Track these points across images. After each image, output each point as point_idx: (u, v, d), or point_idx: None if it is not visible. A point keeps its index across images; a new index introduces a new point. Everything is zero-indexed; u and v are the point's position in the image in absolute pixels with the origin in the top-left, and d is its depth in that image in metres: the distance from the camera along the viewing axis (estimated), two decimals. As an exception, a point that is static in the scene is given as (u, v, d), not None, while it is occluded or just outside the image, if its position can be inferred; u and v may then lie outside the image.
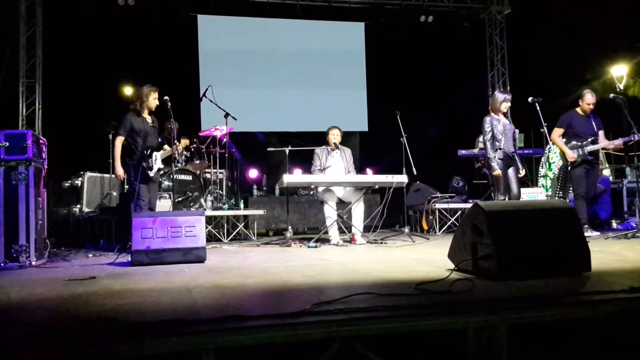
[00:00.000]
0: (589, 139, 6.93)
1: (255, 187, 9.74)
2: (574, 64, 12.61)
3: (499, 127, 6.48)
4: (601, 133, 7.02)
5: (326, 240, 6.83)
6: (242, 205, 8.55)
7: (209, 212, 7.80)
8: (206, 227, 7.50)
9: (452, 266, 3.65)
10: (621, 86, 12.43)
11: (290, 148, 7.56)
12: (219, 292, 3.10)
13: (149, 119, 6.34)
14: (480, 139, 9.33)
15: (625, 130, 6.85)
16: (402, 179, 6.86)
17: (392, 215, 8.93)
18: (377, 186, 6.95)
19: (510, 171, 6.53)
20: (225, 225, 8.15)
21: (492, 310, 2.28)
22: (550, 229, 3.35)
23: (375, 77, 11.84)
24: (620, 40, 12.80)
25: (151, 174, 6.15)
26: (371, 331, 2.17)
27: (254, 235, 8.26)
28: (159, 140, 6.45)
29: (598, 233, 7.02)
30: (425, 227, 9.11)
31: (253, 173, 10.11)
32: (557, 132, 7.07)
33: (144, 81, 6.47)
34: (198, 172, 8.29)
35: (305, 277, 3.59)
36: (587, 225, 6.83)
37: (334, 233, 6.77)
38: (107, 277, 3.97)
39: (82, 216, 8.15)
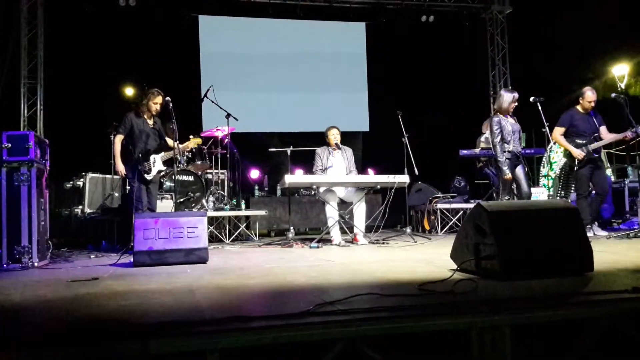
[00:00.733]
0: (592, 137, 6.89)
1: (256, 187, 9.73)
2: (575, 64, 12.61)
3: (507, 128, 6.43)
4: (603, 129, 6.95)
5: (328, 241, 6.83)
6: (243, 206, 8.55)
7: (211, 213, 7.80)
8: (208, 228, 7.53)
9: (455, 266, 3.66)
10: (622, 85, 12.42)
11: (291, 148, 7.55)
12: (222, 293, 3.10)
13: (150, 120, 6.39)
14: (482, 138, 9.37)
15: (627, 128, 6.84)
16: (404, 179, 6.86)
17: (393, 216, 8.92)
18: (379, 186, 6.94)
19: (519, 170, 6.52)
20: (227, 225, 8.15)
21: (496, 310, 2.28)
22: (553, 229, 3.35)
23: (376, 77, 11.84)
24: (621, 39, 12.79)
25: (148, 177, 6.18)
26: (375, 331, 2.17)
27: (256, 235, 8.26)
28: (161, 142, 6.47)
29: (605, 233, 6.95)
30: (427, 227, 9.11)
31: (254, 173, 10.10)
32: (559, 131, 7.02)
33: (145, 82, 6.49)
34: (200, 172, 8.29)
35: (307, 278, 3.60)
36: (589, 226, 6.80)
37: (335, 233, 6.77)
38: (110, 278, 3.98)
39: (84, 217, 8.16)
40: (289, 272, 3.93)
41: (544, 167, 9.60)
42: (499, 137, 6.41)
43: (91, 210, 8.23)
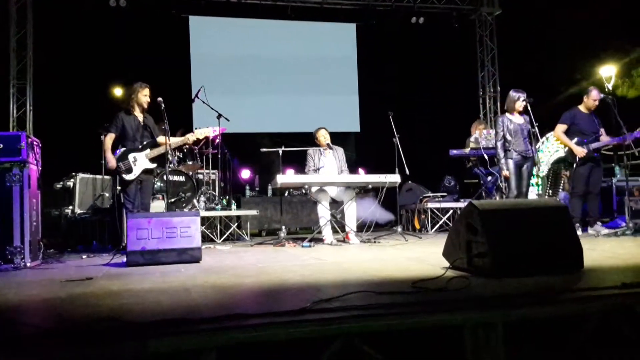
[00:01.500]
0: (593, 137, 6.96)
1: (247, 187, 9.75)
2: (563, 65, 12.73)
3: (510, 127, 6.62)
4: (602, 131, 7.04)
5: (320, 240, 6.86)
6: (234, 206, 8.56)
7: (202, 213, 7.80)
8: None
9: (446, 264, 3.70)
10: (610, 86, 12.54)
11: (283, 149, 7.57)
12: (218, 292, 3.12)
13: (140, 117, 6.33)
14: (471, 139, 9.45)
15: (615, 129, 6.93)
16: (395, 178, 6.90)
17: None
18: (370, 186, 6.98)
19: (522, 171, 6.67)
20: (218, 225, 8.16)
21: (489, 307, 2.33)
22: (543, 227, 3.41)
23: (366, 78, 11.89)
24: (608, 40, 12.93)
25: (128, 177, 6.08)
26: (372, 328, 2.20)
27: (247, 235, 8.27)
28: (152, 139, 6.41)
29: (607, 230, 6.98)
30: (417, 226, 9.16)
31: (245, 174, 10.11)
32: (561, 128, 7.09)
33: (135, 82, 6.46)
34: (190, 173, 8.29)
35: (301, 277, 3.62)
36: (578, 224, 6.88)
37: (327, 233, 6.80)
38: (104, 277, 3.98)
39: (75, 217, 8.13)
40: (283, 271, 3.96)
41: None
42: (500, 135, 6.66)
43: (82, 211, 8.19)
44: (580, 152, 6.88)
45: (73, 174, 8.29)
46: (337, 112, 11.62)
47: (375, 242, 6.65)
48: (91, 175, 8.44)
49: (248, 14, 11.20)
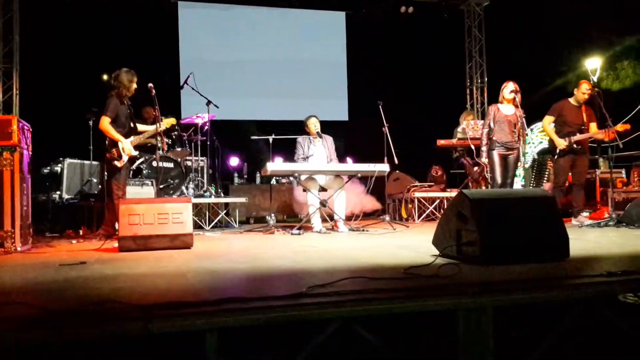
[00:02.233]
0: (577, 129, 7.06)
1: (236, 175, 9.77)
2: (550, 57, 12.84)
3: (497, 117, 6.72)
4: (593, 125, 7.12)
5: (309, 228, 6.91)
6: (221, 193, 8.58)
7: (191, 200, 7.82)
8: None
9: (436, 252, 3.78)
10: (595, 78, 12.67)
11: (273, 136, 7.61)
12: (214, 276, 3.18)
13: (126, 103, 6.31)
14: (459, 129, 9.55)
15: (600, 122, 7.04)
16: (384, 167, 6.97)
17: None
18: (359, 175, 7.04)
19: (507, 162, 6.77)
20: (207, 212, 8.19)
21: (481, 292, 2.40)
22: (532, 216, 3.50)
23: (355, 67, 11.93)
24: (594, 32, 13.05)
25: (119, 164, 6.07)
26: (367, 312, 2.27)
27: (236, 222, 8.31)
28: (135, 126, 6.37)
29: (577, 223, 7.10)
30: (404, 215, 9.25)
31: (234, 161, 10.13)
32: (548, 119, 7.22)
33: (123, 67, 6.42)
34: (179, 159, 8.29)
35: (294, 263, 3.69)
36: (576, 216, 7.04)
37: (316, 221, 6.85)
38: (97, 262, 4.01)
39: (62, 202, 8.11)
40: (275, 257, 4.02)
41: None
42: (486, 124, 6.80)
43: (69, 196, 8.17)
44: (561, 143, 7.00)
45: (61, 159, 8.26)
46: (326, 100, 11.65)
47: (363, 230, 6.72)
48: (79, 161, 8.41)
49: (238, 0, 11.17)
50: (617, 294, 2.50)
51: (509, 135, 6.70)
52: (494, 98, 7.28)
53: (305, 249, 4.70)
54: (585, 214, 7.56)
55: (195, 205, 8.04)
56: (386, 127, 7.62)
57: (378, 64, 11.61)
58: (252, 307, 2.25)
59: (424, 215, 8.97)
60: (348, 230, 6.76)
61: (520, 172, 9.45)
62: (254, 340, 2.30)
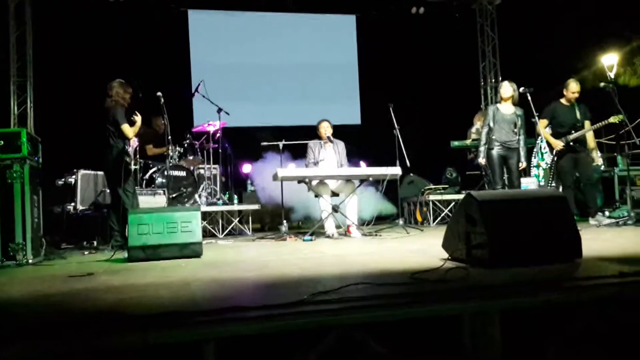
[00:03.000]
0: (572, 128, 7.05)
1: (249, 181, 9.74)
2: (565, 54, 12.66)
3: (496, 116, 6.70)
4: (587, 123, 7.12)
5: (321, 234, 6.86)
6: (236, 201, 8.57)
7: (204, 208, 7.82)
8: (201, 223, 7.54)
9: (446, 255, 3.71)
10: (612, 75, 12.47)
11: (284, 142, 7.57)
12: (218, 285, 3.14)
13: None
14: (473, 129, 9.45)
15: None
16: (396, 170, 6.89)
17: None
18: (371, 178, 6.98)
19: (509, 163, 6.73)
20: (220, 220, 8.18)
21: (486, 296, 2.34)
22: (542, 217, 3.41)
23: (367, 70, 11.85)
24: (610, 28, 12.86)
25: (134, 167, 6.11)
26: (368, 319, 2.22)
27: (249, 230, 8.29)
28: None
29: (609, 220, 7.03)
30: (419, 219, 9.16)
31: (247, 168, 10.11)
32: (543, 123, 7.18)
33: (135, 77, 6.46)
34: (192, 167, 8.30)
35: (302, 270, 3.64)
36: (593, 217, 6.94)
37: (329, 226, 6.80)
38: (105, 273, 4.00)
39: (76, 214, 8.15)
40: (283, 265, 3.98)
41: (535, 157, 9.66)
42: (486, 123, 6.77)
43: (83, 207, 8.20)
44: (558, 144, 7.00)
45: (74, 170, 8.30)
46: (338, 104, 11.59)
47: (376, 235, 6.66)
48: (92, 172, 8.44)
49: (248, 6, 11.18)
50: (629, 295, 2.41)
51: (509, 134, 6.67)
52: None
53: (314, 256, 4.65)
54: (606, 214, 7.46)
55: (208, 214, 8.05)
56: (397, 130, 7.55)
57: (390, 66, 11.51)
58: (250, 316, 2.22)
59: (439, 218, 8.86)
60: (361, 235, 6.70)
61: (540, 172, 9.32)
62: (254, 350, 2.25)
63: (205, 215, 7.93)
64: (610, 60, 12.35)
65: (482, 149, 6.74)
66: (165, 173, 7.09)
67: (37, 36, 9.82)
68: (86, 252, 5.99)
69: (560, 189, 7.25)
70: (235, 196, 8.69)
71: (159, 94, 6.12)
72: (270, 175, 6.99)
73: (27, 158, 5.03)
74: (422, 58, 11.56)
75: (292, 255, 4.76)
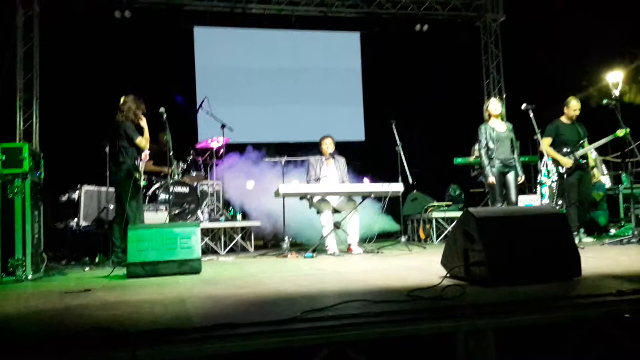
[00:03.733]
0: (577, 146, 7.12)
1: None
2: (569, 71, 12.68)
3: (493, 135, 6.64)
4: (585, 140, 7.22)
5: (323, 251, 6.83)
6: (239, 217, 8.56)
7: (206, 225, 7.82)
8: (203, 239, 7.53)
9: (446, 273, 3.68)
10: (617, 92, 12.47)
11: (286, 158, 7.56)
12: (212, 302, 3.13)
13: None
14: (476, 147, 9.41)
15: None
16: (398, 187, 6.87)
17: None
18: (373, 195, 6.96)
19: (507, 179, 6.67)
20: (223, 237, 8.16)
21: (480, 314, 2.31)
22: (540, 234, 3.39)
23: (371, 86, 11.88)
24: (615, 46, 12.88)
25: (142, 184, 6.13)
26: (361, 336, 2.20)
27: (251, 247, 8.27)
28: None
29: (591, 239, 7.22)
30: (422, 236, 9.12)
31: (250, 184, 10.10)
32: (546, 141, 7.20)
33: (140, 93, 6.48)
34: (195, 184, 8.31)
35: (298, 287, 3.62)
36: (576, 232, 6.92)
37: (330, 243, 6.77)
38: (102, 289, 3.99)
39: (79, 230, 8.16)
40: (280, 282, 3.96)
41: (540, 174, 9.63)
42: (484, 143, 6.71)
43: (86, 223, 8.22)
44: (567, 162, 7.04)
45: (78, 186, 8.33)
46: (342, 121, 11.61)
47: (378, 252, 6.63)
48: (96, 188, 8.47)
49: (252, 24, 11.25)
50: (627, 313, 2.37)
51: (508, 151, 6.69)
52: (513, 114, 7.19)
53: (313, 273, 4.63)
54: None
55: (210, 230, 8.04)
56: (400, 146, 7.55)
57: (394, 83, 11.54)
58: (241, 333, 2.20)
59: (443, 235, 8.81)
60: (362, 252, 6.67)
61: (545, 189, 9.28)
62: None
63: (207, 232, 7.93)
64: (615, 78, 12.35)
65: (488, 169, 6.63)
66: (169, 189, 7.09)
67: (44, 52, 9.91)
68: (87, 268, 5.98)
69: (565, 207, 7.22)
70: (240, 213, 8.67)
71: (162, 109, 6.13)
72: (272, 192, 6.98)
73: (29, 173, 5.04)
74: (426, 75, 11.58)
75: (291, 272, 4.74)
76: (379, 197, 7.24)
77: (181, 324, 2.43)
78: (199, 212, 8.05)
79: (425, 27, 11.57)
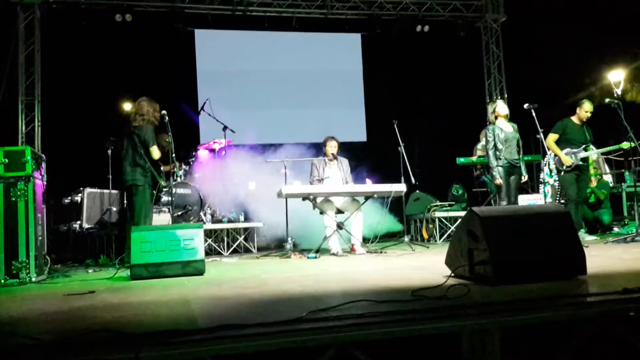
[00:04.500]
0: (582, 147, 7.19)
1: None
2: (571, 70, 12.65)
3: (501, 136, 6.73)
4: (591, 145, 7.29)
5: (326, 251, 6.82)
6: (242, 218, 8.55)
7: (209, 226, 7.82)
8: (206, 241, 7.52)
9: (450, 273, 3.67)
10: (619, 91, 12.43)
11: (288, 159, 7.55)
12: (217, 303, 3.12)
13: None
14: (479, 146, 9.42)
15: (623, 134, 6.92)
16: (401, 187, 6.87)
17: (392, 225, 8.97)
18: (375, 195, 6.95)
19: (511, 179, 6.79)
20: (226, 238, 8.16)
21: (485, 314, 2.30)
22: (545, 233, 3.37)
23: (372, 87, 11.87)
24: (617, 44, 12.84)
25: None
26: (366, 337, 2.19)
27: (254, 248, 8.26)
28: None
29: (593, 237, 7.30)
30: (425, 236, 9.10)
31: (252, 185, 10.10)
32: (552, 137, 7.27)
33: (141, 96, 6.48)
34: (198, 185, 8.30)
35: (303, 287, 3.61)
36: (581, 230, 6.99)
37: (334, 243, 6.77)
38: (106, 291, 3.99)
39: (82, 232, 8.17)
40: (284, 282, 3.95)
41: (542, 173, 9.62)
42: (492, 144, 6.76)
43: (89, 225, 8.22)
44: (568, 161, 7.11)
45: (81, 188, 8.33)
46: (344, 122, 11.59)
47: (381, 252, 6.61)
48: (99, 190, 8.47)
49: (253, 26, 11.24)
50: (632, 311, 2.36)
51: (514, 152, 6.78)
52: (515, 114, 7.19)
53: (317, 273, 4.62)
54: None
55: (213, 231, 8.04)
56: (402, 147, 7.54)
57: (396, 84, 11.53)
58: (246, 334, 2.19)
59: (446, 235, 8.80)
60: (366, 252, 6.66)
61: (548, 188, 9.26)
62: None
63: (210, 233, 7.92)
64: (617, 77, 12.31)
65: (496, 169, 6.70)
66: (171, 191, 7.08)
67: (45, 56, 9.92)
68: (90, 270, 5.98)
69: (564, 205, 7.25)
70: (242, 213, 8.65)
71: (164, 112, 6.13)
72: (274, 193, 6.97)
73: (31, 176, 5.04)
74: (428, 75, 11.59)
75: (295, 273, 4.73)
76: (382, 197, 7.23)
77: (185, 325, 2.42)
78: (201, 213, 8.05)
79: (426, 28, 11.55)
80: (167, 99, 8.46)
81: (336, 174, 7.16)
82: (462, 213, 8.88)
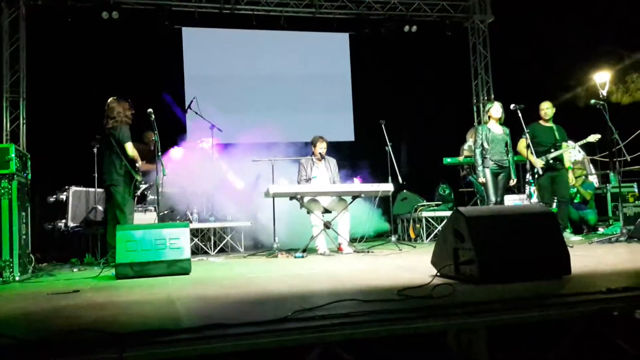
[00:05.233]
0: (551, 147, 7.36)
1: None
2: (557, 71, 12.73)
3: (489, 136, 6.87)
4: (564, 144, 7.44)
5: (313, 251, 6.82)
6: (229, 217, 8.52)
7: (196, 225, 7.79)
8: (192, 240, 7.50)
9: (436, 272, 3.68)
10: (604, 92, 12.53)
11: (275, 158, 7.54)
12: (202, 303, 3.11)
13: None
14: (465, 146, 9.46)
15: (608, 135, 6.98)
16: (388, 187, 6.89)
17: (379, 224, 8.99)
18: (362, 195, 6.96)
19: (498, 179, 6.93)
20: (212, 237, 8.13)
21: (471, 313, 2.31)
22: (530, 233, 3.39)
23: (360, 87, 11.87)
24: (602, 46, 12.94)
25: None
26: (351, 336, 2.18)
27: (242, 247, 8.24)
28: None
29: (579, 238, 7.44)
30: (412, 235, 9.13)
31: (240, 184, 10.07)
32: (522, 142, 7.38)
33: (129, 94, 6.45)
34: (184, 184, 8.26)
35: (289, 287, 3.60)
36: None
37: (321, 243, 6.77)
38: (91, 290, 3.96)
39: (68, 231, 8.10)
40: (270, 282, 3.94)
41: (528, 174, 9.68)
42: (479, 143, 6.92)
43: (75, 224, 8.16)
44: (537, 163, 7.20)
45: (66, 187, 8.26)
46: (331, 121, 11.58)
47: (368, 252, 6.62)
48: (84, 189, 8.41)
49: (241, 24, 11.20)
50: (616, 311, 2.38)
51: (502, 153, 6.90)
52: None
53: (303, 272, 4.62)
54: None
55: (200, 230, 8.00)
56: (389, 146, 7.56)
57: (383, 84, 11.54)
58: (232, 333, 2.18)
59: (432, 235, 8.83)
60: (353, 252, 6.66)
61: (533, 189, 9.31)
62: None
63: (197, 232, 7.89)
64: (602, 78, 12.41)
65: (480, 169, 6.87)
66: (158, 189, 7.04)
67: (30, 52, 9.83)
68: (75, 269, 5.93)
69: (554, 206, 7.32)
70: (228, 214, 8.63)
71: (150, 110, 6.09)
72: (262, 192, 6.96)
73: (15, 174, 4.99)
74: (415, 75, 11.61)
75: (281, 272, 4.73)
76: (369, 197, 7.25)
77: (171, 325, 2.41)
78: (188, 212, 8.02)
79: (414, 28, 11.57)
80: (154, 96, 8.44)
81: (324, 174, 7.16)
82: (449, 213, 8.90)
